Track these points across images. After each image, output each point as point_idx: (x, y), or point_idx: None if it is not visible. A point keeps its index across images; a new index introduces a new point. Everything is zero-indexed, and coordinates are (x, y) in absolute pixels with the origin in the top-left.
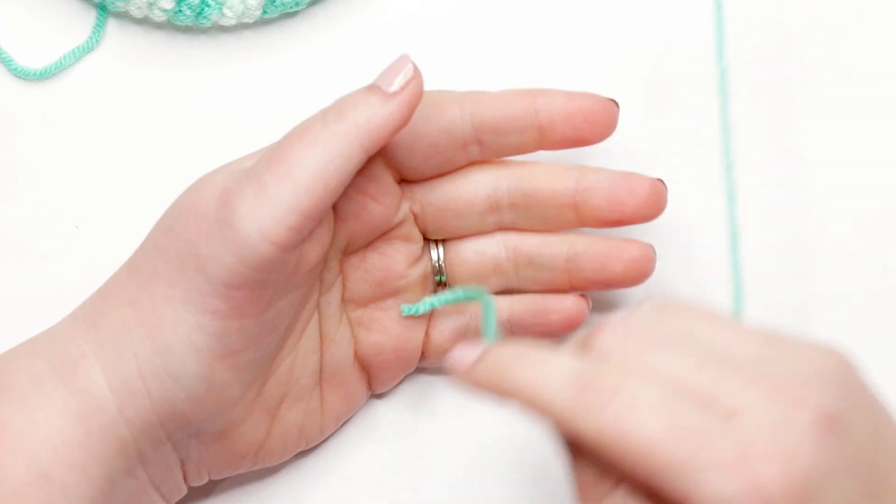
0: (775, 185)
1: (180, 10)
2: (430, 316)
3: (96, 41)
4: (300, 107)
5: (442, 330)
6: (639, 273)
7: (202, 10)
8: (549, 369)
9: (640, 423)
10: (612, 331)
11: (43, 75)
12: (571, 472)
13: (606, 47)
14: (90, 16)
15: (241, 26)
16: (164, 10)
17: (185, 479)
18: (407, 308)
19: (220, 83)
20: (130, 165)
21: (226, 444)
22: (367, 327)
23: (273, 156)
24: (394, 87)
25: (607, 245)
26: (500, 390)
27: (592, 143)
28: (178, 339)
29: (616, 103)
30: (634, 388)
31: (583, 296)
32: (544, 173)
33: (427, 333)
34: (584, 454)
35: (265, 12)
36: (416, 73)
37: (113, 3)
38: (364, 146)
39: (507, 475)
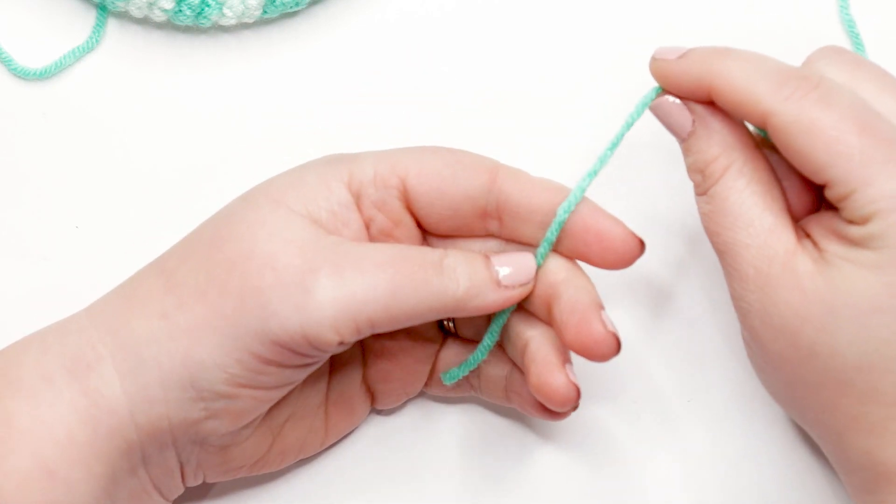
0: None
1: (180, 10)
2: (439, 346)
3: (96, 41)
4: (300, 107)
5: (448, 361)
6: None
7: (202, 10)
8: (755, 61)
9: (834, 111)
10: (826, 50)
11: (43, 75)
12: (693, 148)
13: (607, 47)
14: (90, 16)
15: (241, 26)
16: (164, 10)
17: (183, 479)
18: (448, 377)
19: (220, 83)
20: (130, 165)
21: (227, 455)
22: (377, 354)
23: (378, 259)
24: (508, 281)
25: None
26: (703, 79)
27: (601, 268)
28: (213, 361)
29: (642, 244)
30: (834, 86)
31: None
32: (547, 262)
33: (434, 363)
34: (708, 129)
35: (265, 12)
36: (531, 282)
37: (113, 3)
38: (451, 311)
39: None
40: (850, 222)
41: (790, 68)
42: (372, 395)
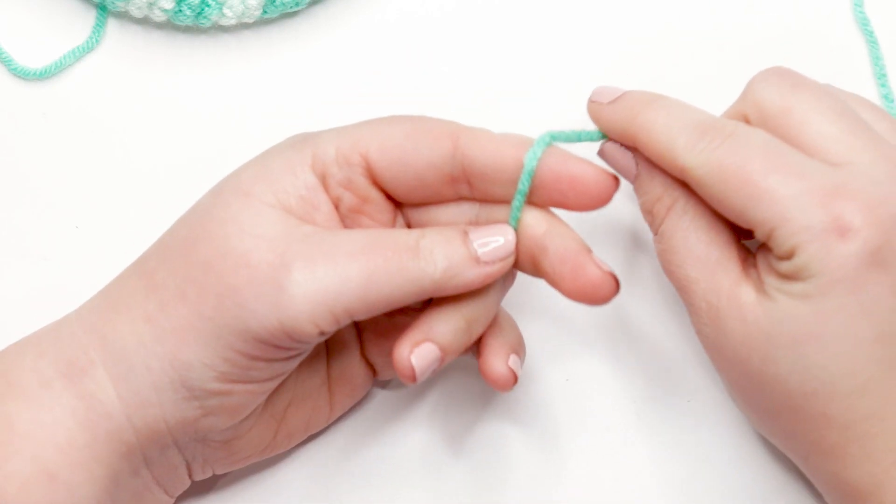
0: None
1: (180, 10)
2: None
3: (96, 41)
4: (300, 107)
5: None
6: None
7: (202, 10)
8: (677, 115)
9: (742, 155)
10: (768, 72)
11: (43, 75)
12: (640, 189)
13: (607, 47)
14: (90, 16)
15: (241, 26)
16: (164, 10)
17: (190, 476)
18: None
19: (220, 83)
20: (130, 165)
21: (232, 448)
22: (371, 331)
23: (350, 248)
24: (487, 257)
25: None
26: (628, 130)
27: (578, 210)
28: (200, 361)
29: (616, 178)
30: (745, 132)
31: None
32: (522, 216)
33: None
34: (650, 171)
35: (265, 12)
36: (512, 255)
37: (113, 3)
38: (430, 292)
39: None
40: (779, 258)
41: (708, 120)
42: (373, 369)
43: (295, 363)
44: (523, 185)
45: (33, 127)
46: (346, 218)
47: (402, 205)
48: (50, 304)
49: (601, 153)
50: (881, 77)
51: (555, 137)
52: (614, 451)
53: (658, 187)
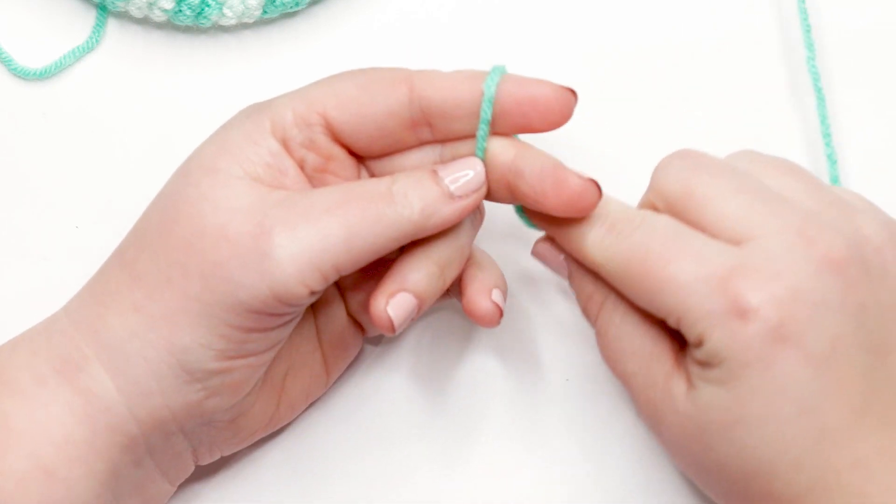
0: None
1: (180, 10)
2: None
3: (96, 41)
4: None
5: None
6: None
7: (202, 10)
8: (589, 221)
9: (644, 246)
10: (672, 156)
11: (43, 75)
12: (574, 287)
13: (607, 47)
14: (90, 16)
15: (241, 26)
16: (164, 10)
17: (196, 461)
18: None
19: (220, 83)
20: (130, 165)
21: (238, 426)
22: (352, 288)
23: (326, 204)
24: (460, 191)
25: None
26: (550, 229)
27: (543, 132)
28: (196, 343)
29: (573, 92)
30: (654, 221)
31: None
32: (488, 146)
33: None
34: (580, 270)
35: (265, 12)
36: (484, 185)
37: (113, 3)
38: (411, 235)
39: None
40: (695, 347)
41: (618, 213)
42: (361, 327)
43: (289, 329)
44: (485, 114)
45: (33, 127)
46: (312, 178)
47: (365, 158)
48: (50, 304)
49: (535, 254)
50: (826, 137)
51: (501, 70)
52: (614, 451)
53: (589, 285)
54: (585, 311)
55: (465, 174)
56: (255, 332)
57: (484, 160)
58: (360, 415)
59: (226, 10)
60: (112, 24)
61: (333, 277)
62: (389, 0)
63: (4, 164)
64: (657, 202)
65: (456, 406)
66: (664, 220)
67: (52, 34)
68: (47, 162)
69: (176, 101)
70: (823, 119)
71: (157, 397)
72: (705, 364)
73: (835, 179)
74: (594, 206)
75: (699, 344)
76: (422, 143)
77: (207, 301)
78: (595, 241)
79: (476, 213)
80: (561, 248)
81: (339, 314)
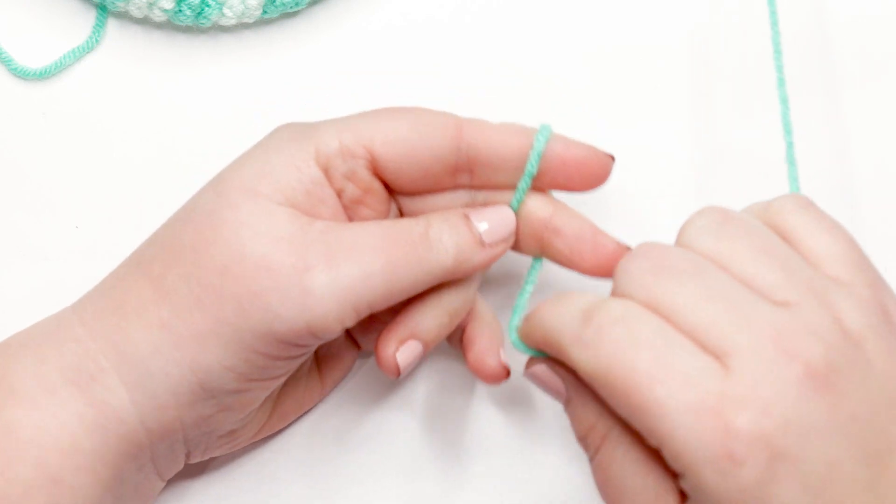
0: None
1: (180, 10)
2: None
3: (96, 41)
4: (300, 107)
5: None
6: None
7: (202, 10)
8: (565, 306)
9: (628, 356)
10: (631, 258)
11: (43, 75)
12: (571, 415)
13: (607, 47)
14: (90, 16)
15: (241, 26)
16: (164, 10)
17: (187, 460)
18: (514, 340)
19: (220, 83)
20: (130, 165)
21: (233, 435)
22: None
23: (369, 243)
24: (490, 238)
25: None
26: (535, 337)
27: (580, 191)
28: (220, 364)
29: (612, 157)
30: (631, 323)
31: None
32: (526, 200)
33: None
34: (581, 396)
35: (265, 12)
36: (513, 235)
37: (113, 3)
38: (441, 280)
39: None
40: (678, 474)
41: (595, 304)
42: (356, 342)
43: (308, 356)
44: (531, 167)
45: (33, 127)
46: (348, 208)
47: (398, 193)
48: (50, 304)
49: (530, 377)
50: (788, 135)
51: (549, 129)
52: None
53: (591, 415)
54: (583, 442)
55: (496, 221)
56: (280, 359)
57: (517, 211)
58: (349, 420)
59: (226, 10)
60: (112, 24)
61: (365, 314)
62: (389, 0)
63: (4, 164)
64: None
65: (449, 411)
66: (651, 321)
67: (52, 34)
68: (47, 162)
69: (176, 101)
70: (786, 120)
71: (171, 411)
72: (692, 496)
73: (793, 182)
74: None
75: (682, 474)
76: (457, 187)
77: (240, 327)
78: (573, 337)
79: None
80: (563, 374)
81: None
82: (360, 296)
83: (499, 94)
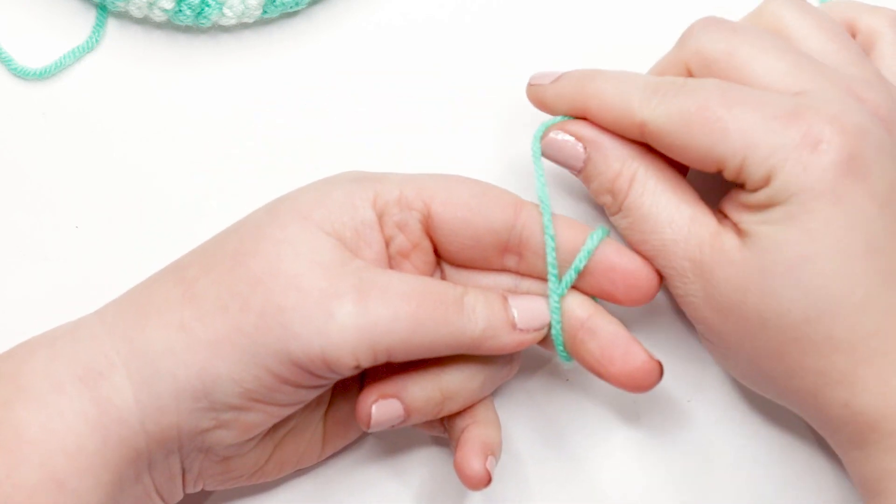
0: None
1: (180, 10)
2: None
3: (96, 41)
4: (300, 107)
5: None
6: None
7: (202, 10)
8: (625, 79)
9: (700, 97)
10: (703, 24)
11: (43, 75)
12: (593, 174)
13: (607, 47)
14: (90, 16)
15: (241, 26)
16: (164, 10)
17: (183, 487)
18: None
19: (220, 83)
20: (130, 165)
21: (228, 466)
22: (373, 379)
23: (403, 290)
24: (523, 325)
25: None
26: (577, 101)
27: (622, 304)
28: (229, 375)
29: (661, 278)
30: (698, 81)
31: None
32: (567, 296)
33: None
34: (603, 150)
35: (265, 12)
36: (546, 327)
37: (113, 3)
38: (464, 349)
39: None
40: (754, 190)
41: (658, 78)
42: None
43: (315, 394)
44: (579, 262)
45: (33, 127)
46: (392, 259)
47: (444, 261)
48: (50, 304)
49: (545, 148)
50: None
51: (606, 232)
52: (615, 452)
53: (615, 163)
54: (610, 193)
55: (532, 310)
56: (289, 384)
57: (557, 304)
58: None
59: (226, 10)
60: (112, 24)
61: (382, 360)
62: (389, 0)
63: (4, 164)
64: (691, 62)
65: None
66: (711, 80)
67: (52, 34)
68: (47, 162)
69: (176, 101)
70: None
71: (171, 416)
72: (769, 205)
73: None
74: (651, 387)
75: (765, 182)
76: (503, 270)
77: (256, 340)
78: (642, 102)
79: (506, 368)
80: (579, 134)
81: (353, 398)
82: (381, 336)
83: (499, 94)
